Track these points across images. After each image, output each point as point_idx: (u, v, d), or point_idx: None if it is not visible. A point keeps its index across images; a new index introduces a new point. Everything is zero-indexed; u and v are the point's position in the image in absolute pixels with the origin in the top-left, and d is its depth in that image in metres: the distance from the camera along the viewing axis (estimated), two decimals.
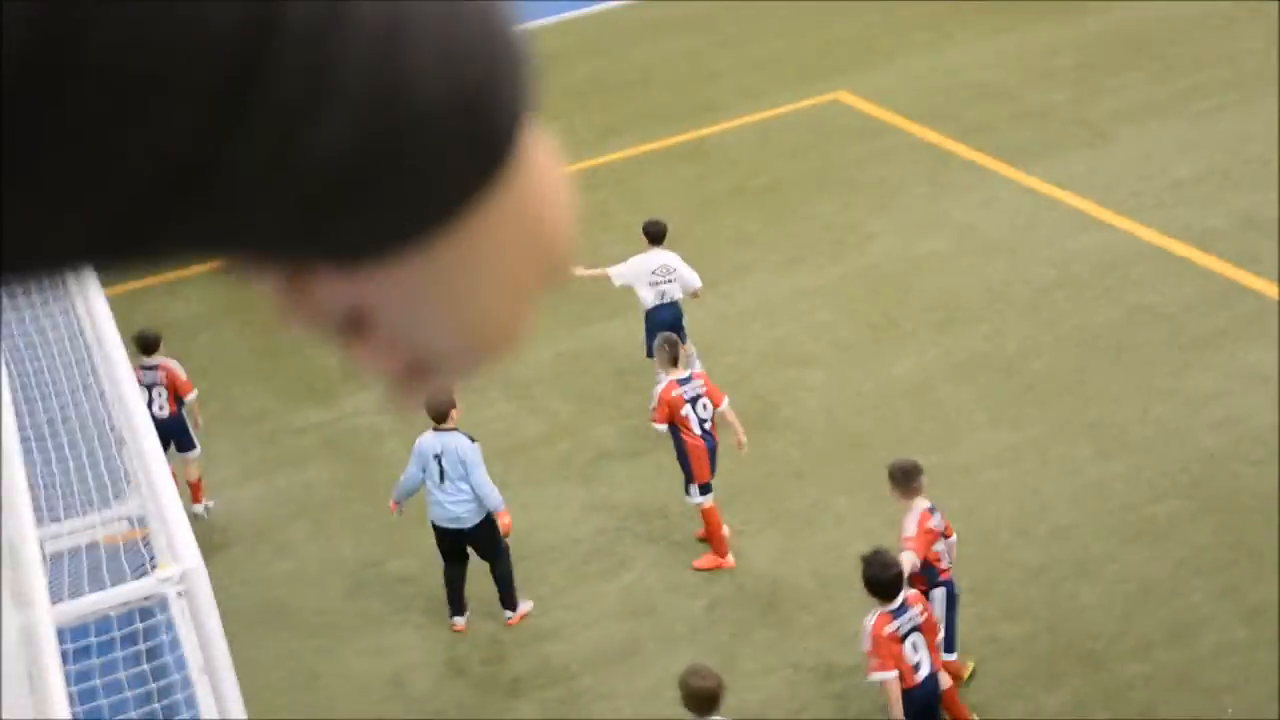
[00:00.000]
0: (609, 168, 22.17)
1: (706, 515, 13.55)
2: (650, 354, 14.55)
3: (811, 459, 14.75)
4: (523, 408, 16.15)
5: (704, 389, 13.54)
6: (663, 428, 13.50)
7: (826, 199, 20.09)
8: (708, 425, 13.45)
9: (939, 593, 11.38)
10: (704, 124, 23.26)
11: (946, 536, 11.57)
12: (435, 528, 13.12)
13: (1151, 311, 16.25)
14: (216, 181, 0.69)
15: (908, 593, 10.67)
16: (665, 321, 14.89)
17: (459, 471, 12.75)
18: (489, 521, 12.94)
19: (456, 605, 13.39)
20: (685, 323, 15.32)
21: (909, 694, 10.51)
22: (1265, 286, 16.31)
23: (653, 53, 26.58)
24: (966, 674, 11.74)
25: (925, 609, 10.72)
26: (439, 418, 12.90)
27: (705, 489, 13.51)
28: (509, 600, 13.36)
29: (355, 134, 0.70)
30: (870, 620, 10.55)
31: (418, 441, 13.17)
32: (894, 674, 10.44)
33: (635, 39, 27.46)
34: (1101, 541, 13.08)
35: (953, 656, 11.44)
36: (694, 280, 15.49)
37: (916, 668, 10.54)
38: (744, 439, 13.47)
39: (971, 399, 15.37)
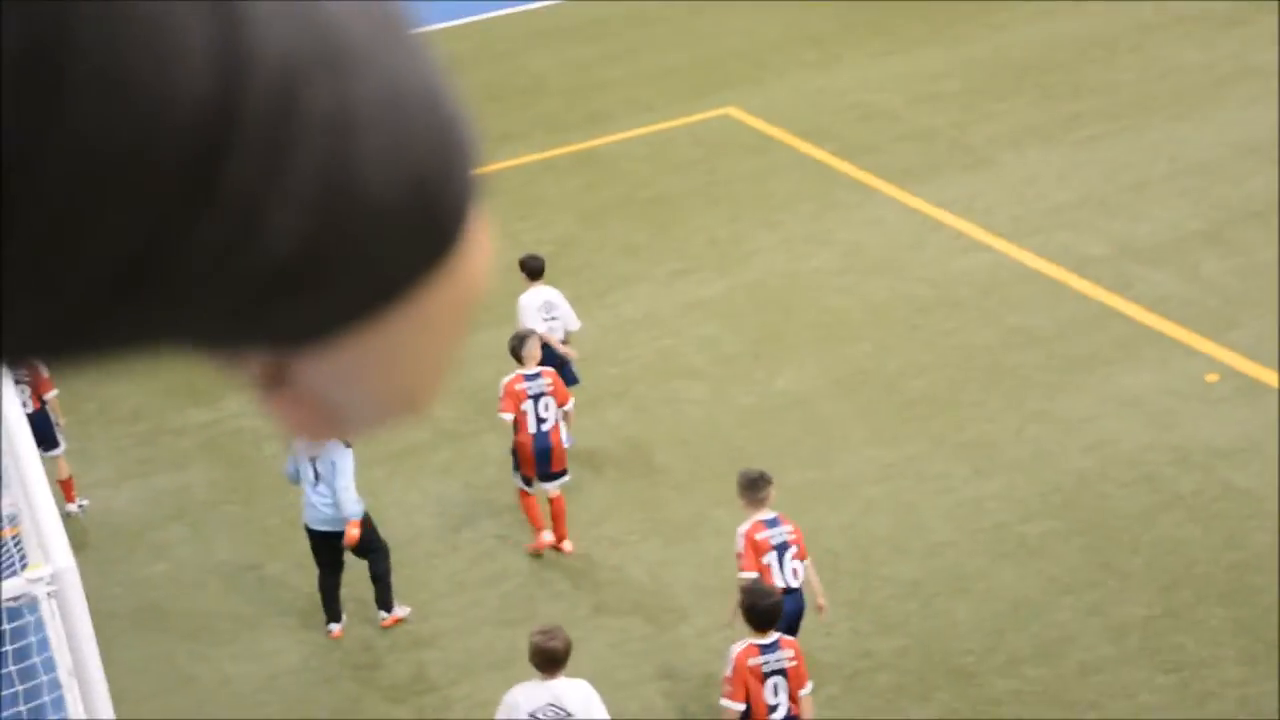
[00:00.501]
0: (500, 175, 22.07)
1: (524, 499, 13.99)
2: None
3: (693, 471, 14.77)
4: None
5: (549, 387, 13.74)
6: (507, 417, 13.72)
7: (714, 213, 20.16)
8: (545, 426, 13.65)
9: None
10: (595, 134, 23.28)
11: (788, 551, 11.32)
12: (309, 531, 12.99)
13: (1028, 333, 16.43)
14: (166, 277, 0.68)
15: (783, 636, 10.55)
16: (552, 357, 14.54)
17: (331, 474, 12.63)
18: (365, 521, 12.83)
19: (332, 612, 13.27)
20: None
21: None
22: (1138, 312, 16.56)
23: (546, 61, 26.59)
24: None
25: (797, 656, 10.53)
26: None
27: (527, 480, 13.87)
28: (385, 601, 13.25)
29: (307, 227, 0.69)
30: (737, 648, 10.48)
31: (296, 444, 13.04)
32: (741, 706, 10.41)
33: (529, 46, 27.44)
34: (975, 559, 13.20)
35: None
36: (573, 321, 15.28)
37: (772, 709, 10.44)
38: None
39: (851, 415, 15.46)
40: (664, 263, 18.89)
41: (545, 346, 14.36)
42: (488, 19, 29.21)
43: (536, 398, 13.65)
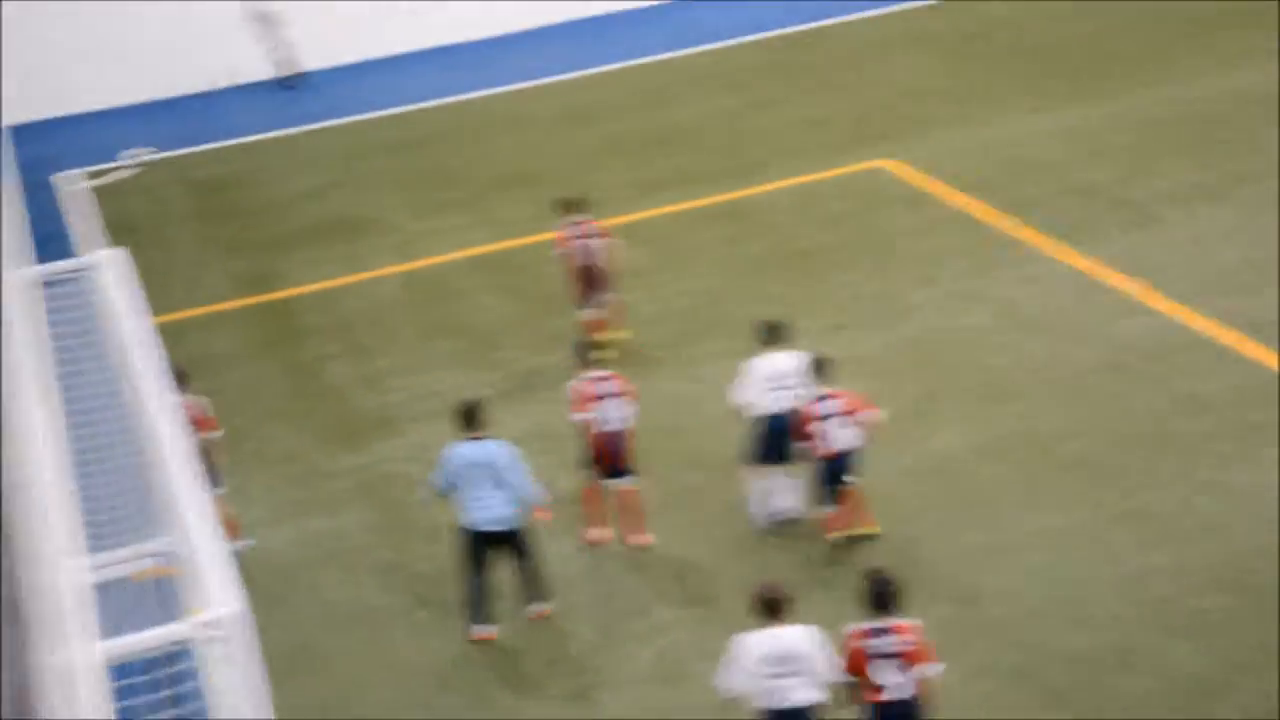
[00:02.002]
0: (649, 224, 22.23)
1: (589, 494, 14.90)
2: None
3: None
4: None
5: (620, 389, 14.62)
6: (579, 418, 14.59)
7: (865, 267, 20.07)
8: (615, 426, 14.56)
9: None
10: (744, 185, 23.28)
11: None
12: (473, 533, 13.47)
13: (1197, 400, 16.03)
14: None
15: (897, 621, 10.80)
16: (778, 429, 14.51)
17: (499, 476, 13.30)
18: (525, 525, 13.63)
19: (486, 614, 13.69)
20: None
21: (877, 707, 10.78)
22: None
23: (694, 111, 26.71)
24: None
25: (911, 637, 10.75)
26: (472, 427, 13.55)
27: (595, 477, 14.74)
28: (542, 593, 13.83)
29: None
30: (850, 629, 10.87)
31: (449, 452, 13.50)
32: (853, 680, 10.82)
33: (675, 97, 27.61)
34: (1144, 633, 12.80)
35: None
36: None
37: (883, 688, 10.73)
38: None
39: (1009, 479, 15.15)
40: (814, 317, 18.67)
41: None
42: (640, 64, 29.46)
43: (606, 399, 14.51)
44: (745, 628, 11.05)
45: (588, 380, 14.66)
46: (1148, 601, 13.18)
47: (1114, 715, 12.00)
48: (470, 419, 13.63)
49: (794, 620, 10.97)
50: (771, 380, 14.55)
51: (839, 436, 14.08)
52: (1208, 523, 14.10)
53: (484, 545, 13.57)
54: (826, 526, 14.31)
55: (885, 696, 10.72)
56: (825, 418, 14.09)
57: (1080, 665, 12.52)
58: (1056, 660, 12.57)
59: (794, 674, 10.79)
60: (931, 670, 10.80)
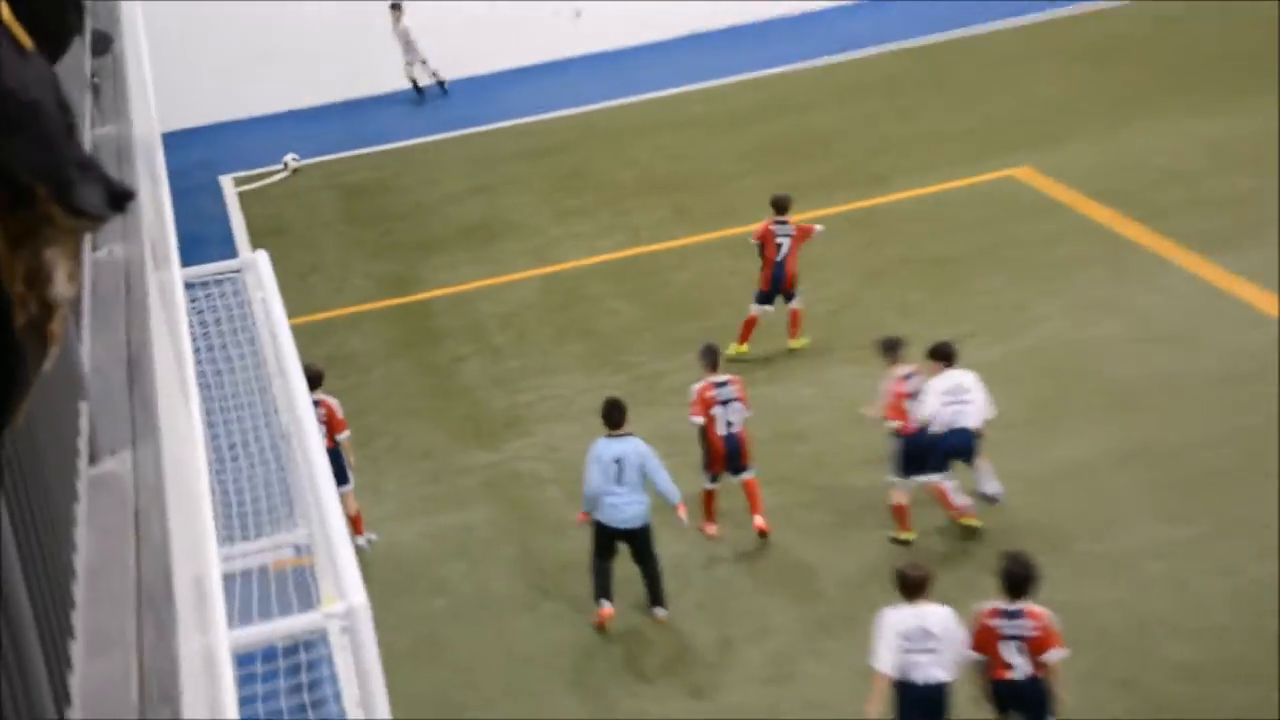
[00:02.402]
0: None
1: (707, 495, 15.27)
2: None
3: (965, 543, 14.65)
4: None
5: (737, 393, 15.10)
6: (697, 420, 15.05)
7: (996, 275, 20.00)
8: (734, 429, 15.00)
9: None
10: (877, 193, 23.26)
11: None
12: (604, 527, 13.92)
13: None
14: None
15: (1029, 606, 11.23)
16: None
17: (638, 474, 13.76)
18: (650, 525, 14.00)
19: (606, 592, 14.08)
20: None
21: (999, 685, 11.28)
22: None
23: (831, 119, 26.68)
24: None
25: (1042, 625, 11.17)
26: (615, 424, 13.93)
27: (714, 478, 15.20)
28: (661, 597, 14.16)
29: None
30: (982, 607, 11.39)
31: (596, 447, 13.93)
32: (981, 657, 11.29)
33: (813, 104, 27.57)
34: (1259, 646, 12.78)
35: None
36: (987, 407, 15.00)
37: (1009, 666, 11.16)
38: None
39: (1133, 488, 15.14)
40: (942, 324, 18.66)
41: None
42: (784, 72, 29.39)
43: (725, 403, 14.95)
44: (852, 628, 11.30)
45: (708, 384, 15.06)
46: (1260, 614, 13.15)
47: None
48: (613, 415, 14.09)
49: (933, 600, 11.46)
50: (949, 395, 14.74)
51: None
52: None
53: (612, 539, 13.99)
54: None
55: (1009, 675, 11.14)
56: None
57: (1187, 676, 12.54)
58: (1163, 670, 12.61)
59: (929, 651, 11.26)
60: (1056, 655, 11.17)
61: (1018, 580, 11.27)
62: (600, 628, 14.04)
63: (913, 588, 11.48)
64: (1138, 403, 16.60)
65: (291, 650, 9.57)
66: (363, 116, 29.88)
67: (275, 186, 27.08)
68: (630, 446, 13.87)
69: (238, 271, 12.70)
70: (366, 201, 25.97)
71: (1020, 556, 11.55)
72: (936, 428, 14.66)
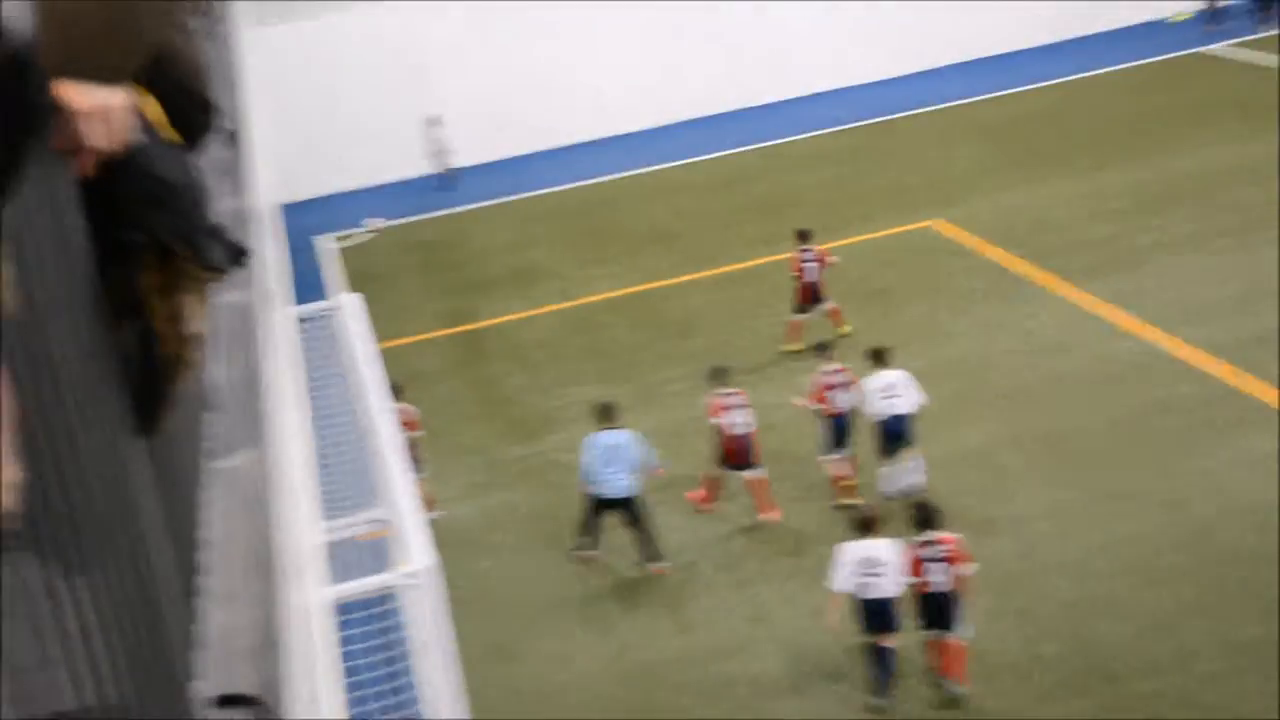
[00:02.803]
0: (762, 269, 22.22)
1: (709, 480, 15.13)
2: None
3: (895, 508, 14.62)
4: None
5: (742, 403, 14.85)
6: (715, 421, 14.80)
7: (920, 303, 20.01)
8: (741, 430, 14.73)
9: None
10: (834, 238, 23.21)
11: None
12: (599, 499, 13.98)
13: (1173, 405, 15.92)
14: None
15: (941, 534, 11.64)
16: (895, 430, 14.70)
17: (627, 457, 13.84)
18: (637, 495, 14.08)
19: (596, 543, 14.24)
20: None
21: (924, 597, 11.61)
22: (1264, 390, 15.90)
23: (803, 180, 26.56)
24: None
25: (954, 547, 11.60)
26: (608, 420, 14.17)
27: (727, 468, 14.93)
28: (656, 554, 14.06)
29: None
30: (909, 541, 11.80)
31: (591, 438, 14.04)
32: (914, 580, 11.61)
33: (792, 169, 27.50)
34: (1123, 584, 12.84)
35: None
36: (918, 396, 14.86)
37: (932, 583, 11.58)
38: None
39: (1026, 466, 15.16)
40: (881, 340, 18.67)
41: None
42: (763, 147, 29.33)
43: (734, 409, 14.77)
44: (815, 578, 11.31)
45: (719, 395, 14.93)
46: (1126, 559, 13.19)
47: (1095, 650, 12.05)
48: (606, 414, 14.22)
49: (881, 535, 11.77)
50: (883, 390, 14.73)
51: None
52: (1174, 498, 14.06)
53: (603, 508, 14.04)
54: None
55: (933, 589, 11.54)
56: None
57: (1072, 609, 12.58)
58: (1051, 603, 12.65)
59: (879, 574, 11.47)
60: (968, 569, 11.57)
61: (927, 515, 11.74)
62: (586, 566, 14.25)
63: (864, 525, 11.75)
64: (1027, 400, 16.62)
65: (376, 602, 9.58)
66: (429, 188, 29.94)
67: (364, 244, 27.16)
68: (623, 437, 13.98)
69: (335, 309, 12.73)
70: (433, 254, 26.03)
71: (924, 501, 12.15)
72: (875, 417, 14.66)
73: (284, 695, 3.27)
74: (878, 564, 11.50)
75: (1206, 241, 20.53)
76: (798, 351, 18.60)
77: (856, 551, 11.60)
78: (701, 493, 15.18)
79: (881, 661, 11.62)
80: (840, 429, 14.82)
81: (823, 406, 14.84)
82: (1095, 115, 28.03)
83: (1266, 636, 11.80)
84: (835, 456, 14.82)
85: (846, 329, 19.03)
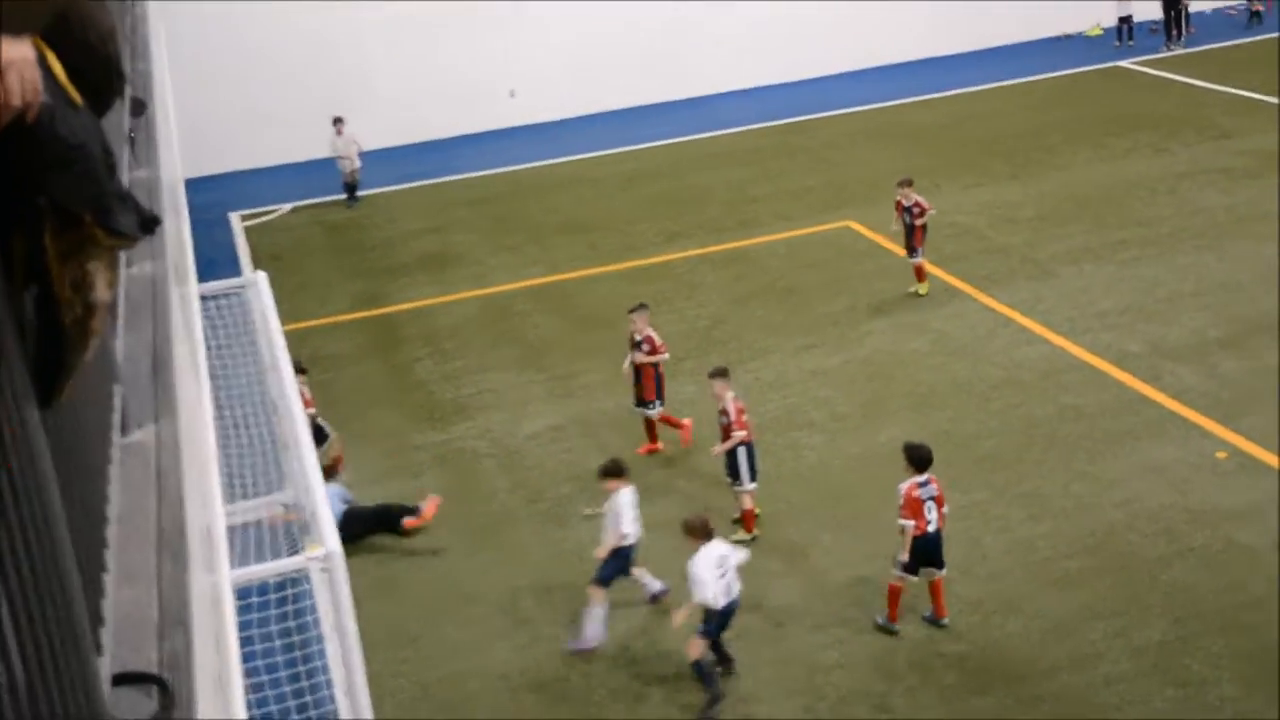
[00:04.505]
0: (670, 265, 22.31)
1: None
2: None
3: (808, 502, 14.72)
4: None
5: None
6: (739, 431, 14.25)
7: (835, 302, 20.12)
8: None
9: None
10: (745, 236, 23.36)
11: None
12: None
13: (1076, 410, 16.16)
14: None
15: (931, 475, 12.20)
16: None
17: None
18: None
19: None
20: None
21: (919, 539, 12.05)
22: (1165, 399, 16.20)
23: (711, 178, 26.78)
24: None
25: (938, 488, 12.24)
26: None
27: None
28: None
29: None
30: (903, 485, 12.14)
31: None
32: (912, 523, 12.07)
33: (698, 167, 27.67)
34: (1026, 585, 12.97)
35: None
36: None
37: (929, 523, 12.10)
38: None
39: (935, 468, 15.24)
40: (794, 339, 18.89)
41: None
42: (667, 144, 29.52)
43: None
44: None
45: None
46: (1030, 562, 13.34)
47: (998, 650, 12.19)
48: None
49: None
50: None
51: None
52: (1080, 503, 14.24)
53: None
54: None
55: (928, 529, 12.10)
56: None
57: (975, 609, 12.70)
58: (958, 605, 12.74)
59: (730, 569, 11.53)
60: (946, 509, 12.34)
61: (924, 456, 12.18)
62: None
63: (706, 531, 11.56)
64: (938, 401, 16.76)
65: (280, 586, 9.44)
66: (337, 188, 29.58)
67: (272, 223, 26.79)
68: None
69: (242, 288, 12.53)
70: (345, 236, 25.74)
71: (919, 444, 12.46)
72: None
73: (187, 675, 3.18)
74: (726, 562, 11.53)
75: (1107, 254, 20.86)
76: (921, 292, 19.79)
77: (708, 556, 11.46)
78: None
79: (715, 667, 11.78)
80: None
81: (744, 434, 14.16)
82: (1008, 124, 28.45)
83: (1167, 640, 12.00)
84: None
85: (925, 288, 19.80)
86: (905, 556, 12.25)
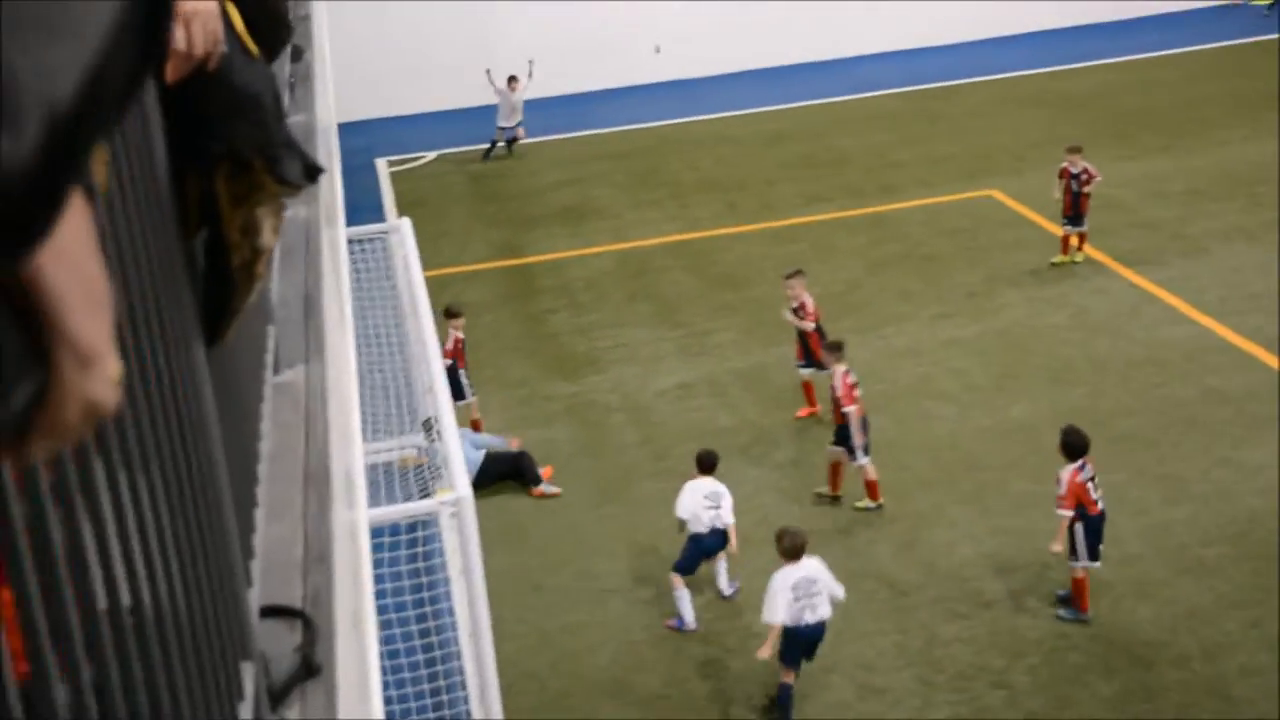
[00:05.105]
0: (808, 227, 22.17)
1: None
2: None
3: (936, 474, 14.57)
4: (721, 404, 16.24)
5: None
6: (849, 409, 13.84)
7: (973, 272, 19.82)
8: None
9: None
10: (884, 201, 23.11)
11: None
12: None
13: (1221, 394, 15.72)
14: None
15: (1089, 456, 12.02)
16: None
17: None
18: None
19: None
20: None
21: (1093, 519, 11.90)
22: None
23: (853, 142, 26.50)
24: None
25: (1092, 468, 12.05)
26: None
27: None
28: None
29: None
30: (1066, 472, 11.91)
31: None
32: (1070, 513, 11.86)
33: (840, 129, 27.40)
34: (1160, 570, 12.70)
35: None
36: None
37: (1097, 501, 11.93)
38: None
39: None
40: (930, 308, 18.66)
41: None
42: (807, 105, 29.26)
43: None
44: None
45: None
46: (1166, 547, 13.05)
47: (1126, 635, 11.97)
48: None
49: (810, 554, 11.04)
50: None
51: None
52: (1220, 489, 13.88)
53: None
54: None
55: (1096, 511, 11.92)
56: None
57: (1107, 591, 12.47)
58: (1090, 584, 12.53)
59: (816, 595, 10.84)
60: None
61: (1080, 445, 11.92)
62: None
63: (787, 551, 10.91)
64: (1076, 377, 16.45)
65: (411, 528, 9.63)
66: (488, 120, 29.81)
67: (418, 169, 27.16)
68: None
69: (386, 233, 12.74)
70: (487, 185, 25.99)
71: (1079, 429, 12.15)
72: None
73: (328, 611, 3.27)
74: (813, 584, 10.90)
75: (1261, 233, 20.18)
76: (1063, 264, 19.54)
77: (789, 576, 10.86)
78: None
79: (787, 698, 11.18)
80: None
81: (853, 408, 13.86)
82: (1161, 96, 27.62)
83: None
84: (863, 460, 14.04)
85: (1079, 258, 19.55)
86: (1058, 547, 11.91)
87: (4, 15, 0.68)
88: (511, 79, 27.03)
